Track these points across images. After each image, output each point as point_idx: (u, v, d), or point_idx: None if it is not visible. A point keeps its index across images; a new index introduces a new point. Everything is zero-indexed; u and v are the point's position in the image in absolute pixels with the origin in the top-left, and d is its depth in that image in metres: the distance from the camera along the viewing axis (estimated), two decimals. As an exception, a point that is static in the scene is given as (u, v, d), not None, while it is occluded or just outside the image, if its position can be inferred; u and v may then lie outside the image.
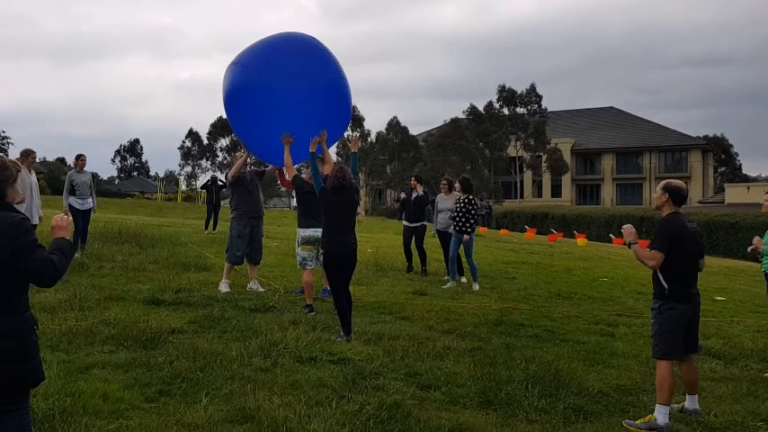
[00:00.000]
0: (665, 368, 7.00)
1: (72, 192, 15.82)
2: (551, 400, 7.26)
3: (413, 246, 17.24)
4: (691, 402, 7.34)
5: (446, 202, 15.88)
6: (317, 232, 11.12)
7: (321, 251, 10.82)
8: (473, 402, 7.26)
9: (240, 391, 7.14)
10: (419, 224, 17.26)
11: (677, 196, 7.17)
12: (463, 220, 14.79)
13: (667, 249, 6.94)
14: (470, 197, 14.91)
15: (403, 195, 17.83)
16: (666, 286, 7.03)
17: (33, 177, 14.35)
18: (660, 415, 6.84)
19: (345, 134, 11.44)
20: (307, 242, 11.48)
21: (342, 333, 9.61)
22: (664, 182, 7.36)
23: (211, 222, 25.29)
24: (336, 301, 9.86)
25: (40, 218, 14.19)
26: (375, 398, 7.04)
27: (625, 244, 7.41)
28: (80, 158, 16.48)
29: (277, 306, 11.58)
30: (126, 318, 9.82)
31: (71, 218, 5.21)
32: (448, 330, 10.42)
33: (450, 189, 16.08)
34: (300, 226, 11.67)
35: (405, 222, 17.49)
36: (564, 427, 6.67)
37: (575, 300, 14.19)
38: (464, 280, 15.64)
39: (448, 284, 14.96)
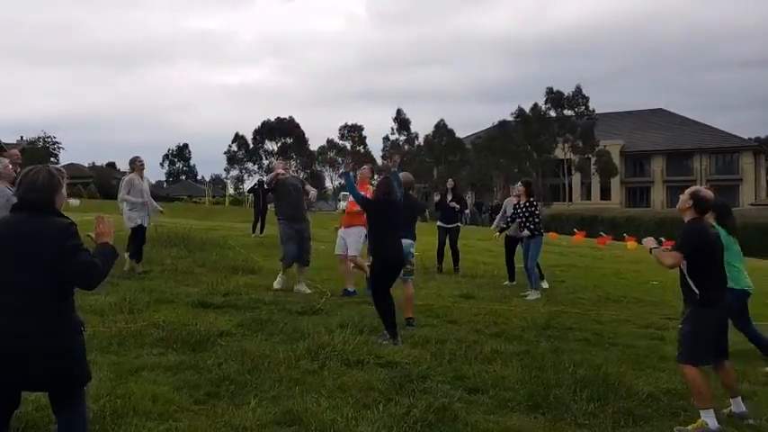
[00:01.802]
0: (692, 373, 6.93)
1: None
2: (600, 404, 7.20)
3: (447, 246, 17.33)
4: (736, 406, 7.26)
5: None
6: (404, 243, 10.60)
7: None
8: (521, 406, 7.23)
9: (288, 393, 7.18)
10: (454, 225, 17.31)
11: (700, 206, 7.19)
12: (527, 223, 14.52)
13: (688, 253, 6.97)
14: (532, 200, 14.66)
15: (437, 197, 17.83)
16: (698, 292, 6.98)
17: (145, 183, 14.99)
18: (709, 419, 6.75)
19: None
20: None
21: (388, 336, 9.63)
22: (693, 188, 7.41)
23: (258, 225, 25.42)
24: (381, 305, 9.89)
25: (161, 211, 15.74)
26: (422, 401, 7.00)
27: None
28: (136, 162, 16.46)
29: (324, 309, 11.60)
30: (175, 320, 9.88)
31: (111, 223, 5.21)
32: (495, 334, 10.38)
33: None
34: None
35: (439, 223, 17.51)
36: (613, 430, 6.64)
37: (624, 303, 14.08)
38: (545, 285, 15.50)
39: (532, 296, 14.29)
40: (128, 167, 16.58)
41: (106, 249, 4.86)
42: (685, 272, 7.07)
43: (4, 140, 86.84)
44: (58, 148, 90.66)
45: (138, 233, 14.38)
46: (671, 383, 8.19)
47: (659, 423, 6.97)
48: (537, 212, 14.47)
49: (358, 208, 11.58)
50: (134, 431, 5.91)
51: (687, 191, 7.35)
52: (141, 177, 14.82)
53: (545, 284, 15.30)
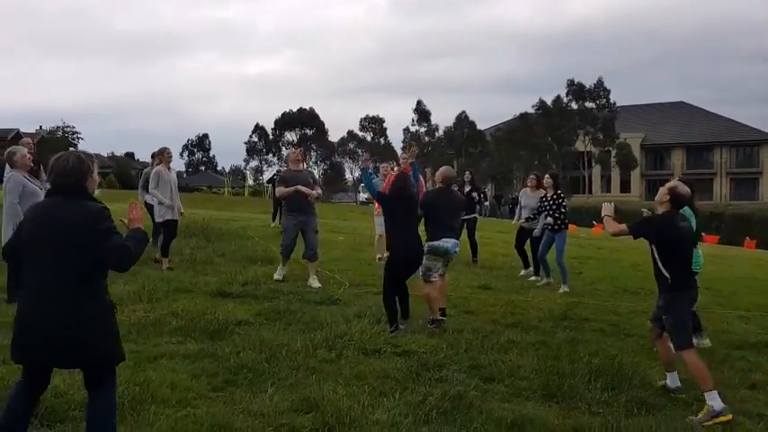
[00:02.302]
0: (692, 356, 7.33)
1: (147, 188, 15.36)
2: (614, 394, 7.30)
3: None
4: (672, 380, 7.74)
5: (532, 198, 15.55)
6: (447, 243, 10.37)
7: (445, 261, 10.54)
8: (536, 395, 7.32)
9: (305, 381, 7.27)
10: (471, 216, 17.30)
11: (676, 201, 7.74)
12: (554, 215, 14.43)
13: (638, 234, 7.86)
14: (560, 192, 14.57)
15: (455, 188, 17.83)
16: (669, 277, 7.56)
17: (173, 175, 14.68)
18: (714, 402, 6.97)
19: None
20: (434, 252, 10.39)
21: (391, 326, 9.71)
22: (672, 183, 8.04)
23: (278, 216, 25.37)
24: (388, 299, 9.98)
25: (181, 213, 14.86)
26: (438, 389, 7.10)
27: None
28: (164, 153, 15.21)
29: (342, 299, 11.70)
30: (193, 309, 9.99)
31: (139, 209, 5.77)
32: (512, 324, 10.42)
33: (539, 185, 15.49)
34: (430, 239, 10.52)
35: None
36: (626, 419, 6.66)
37: (641, 295, 14.06)
38: (549, 279, 15.30)
39: (542, 281, 14.85)
40: (150, 158, 16.47)
41: (138, 234, 5.09)
42: (657, 258, 7.65)
43: (23, 129, 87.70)
44: (77, 137, 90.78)
45: (167, 228, 14.14)
46: (685, 373, 8.20)
47: (672, 412, 7.04)
48: (564, 204, 14.43)
49: None
50: (152, 418, 5.98)
51: (666, 185, 7.93)
52: (169, 169, 14.54)
53: (549, 279, 15.11)
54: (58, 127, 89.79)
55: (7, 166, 10.85)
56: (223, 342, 8.61)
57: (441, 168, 10.91)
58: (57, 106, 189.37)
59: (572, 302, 12.44)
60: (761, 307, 13.36)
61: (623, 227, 7.79)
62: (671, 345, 7.69)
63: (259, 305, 10.83)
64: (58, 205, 4.98)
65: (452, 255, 10.61)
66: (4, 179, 10.56)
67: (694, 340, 9.20)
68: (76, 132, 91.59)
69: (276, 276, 13.09)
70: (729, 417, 6.85)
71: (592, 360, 8.34)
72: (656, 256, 7.66)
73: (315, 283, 12.89)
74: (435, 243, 10.28)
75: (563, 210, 14.33)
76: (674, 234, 7.58)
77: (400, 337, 9.21)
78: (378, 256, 16.36)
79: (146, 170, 16.33)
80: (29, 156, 10.63)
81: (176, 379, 7.06)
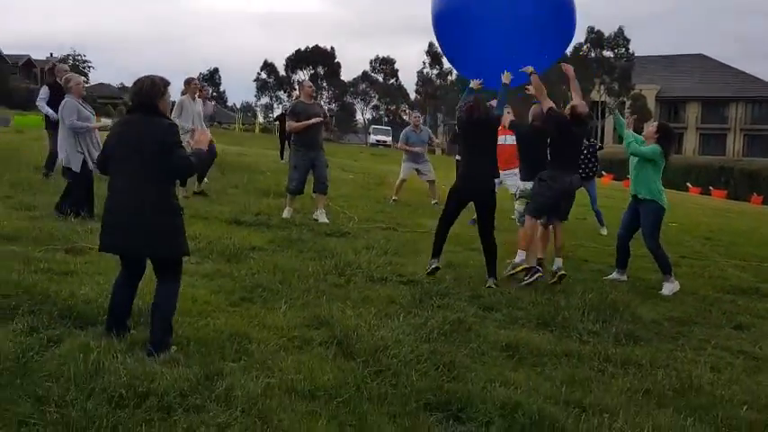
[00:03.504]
0: (529, 221, 9.74)
1: None
2: (605, 326, 7.74)
3: None
4: (556, 264, 9.79)
5: None
6: None
7: None
8: (531, 323, 7.75)
9: (316, 302, 7.71)
10: None
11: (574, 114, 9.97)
12: (588, 164, 14.95)
13: (548, 116, 9.86)
14: (593, 141, 14.84)
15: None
16: (549, 159, 9.81)
17: (197, 106, 14.54)
18: (520, 257, 9.73)
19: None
20: (525, 195, 10.35)
21: (432, 258, 9.58)
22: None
23: (285, 153, 25.48)
24: (439, 225, 9.84)
25: (211, 141, 14.85)
26: (440, 314, 7.54)
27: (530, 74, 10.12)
28: (191, 83, 15.00)
29: (351, 232, 12.15)
30: (210, 234, 10.44)
31: (208, 134, 7.18)
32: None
33: None
34: (522, 178, 10.56)
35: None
36: (614, 348, 7.07)
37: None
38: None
39: (603, 232, 15.31)
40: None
41: (200, 152, 6.31)
42: (549, 143, 9.85)
43: (34, 56, 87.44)
44: (88, 66, 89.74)
45: None
46: (674, 312, 8.72)
47: (658, 344, 7.47)
48: (595, 153, 15.10)
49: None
50: (176, 326, 6.26)
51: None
52: (194, 100, 14.39)
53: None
54: (69, 55, 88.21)
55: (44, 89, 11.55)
56: (239, 264, 9.08)
57: (575, 104, 10.27)
58: (67, 35, 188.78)
59: (574, 245, 12.76)
60: (758, 257, 13.78)
61: (550, 104, 9.96)
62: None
63: (272, 233, 11.29)
64: (135, 121, 5.93)
65: None
66: (61, 104, 11.03)
67: (616, 275, 10.50)
68: (87, 61, 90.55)
69: (285, 215, 13.01)
70: (525, 266, 9.56)
71: (586, 295, 8.77)
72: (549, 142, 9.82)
73: (322, 217, 13.02)
74: (527, 185, 10.25)
75: (594, 158, 14.78)
76: (567, 131, 9.76)
77: (406, 267, 9.70)
78: (393, 197, 16.87)
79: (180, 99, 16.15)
80: (83, 84, 11.19)
81: (196, 294, 7.51)
